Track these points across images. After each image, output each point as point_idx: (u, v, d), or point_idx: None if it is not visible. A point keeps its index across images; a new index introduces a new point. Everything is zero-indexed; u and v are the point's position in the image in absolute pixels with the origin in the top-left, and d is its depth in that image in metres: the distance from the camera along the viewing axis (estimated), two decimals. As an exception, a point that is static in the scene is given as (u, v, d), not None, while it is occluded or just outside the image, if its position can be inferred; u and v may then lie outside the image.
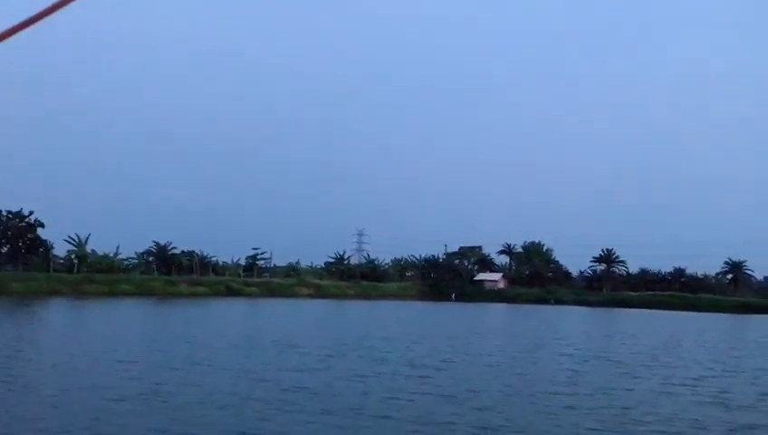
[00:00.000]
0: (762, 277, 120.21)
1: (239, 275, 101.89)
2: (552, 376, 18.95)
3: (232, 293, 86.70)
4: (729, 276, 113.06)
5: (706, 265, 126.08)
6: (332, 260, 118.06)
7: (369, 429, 11.44)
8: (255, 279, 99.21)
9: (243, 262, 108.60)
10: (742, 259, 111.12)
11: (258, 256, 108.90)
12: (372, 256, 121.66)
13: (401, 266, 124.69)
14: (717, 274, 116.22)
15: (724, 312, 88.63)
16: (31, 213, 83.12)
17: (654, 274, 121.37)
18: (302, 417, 12.18)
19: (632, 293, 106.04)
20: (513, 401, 14.71)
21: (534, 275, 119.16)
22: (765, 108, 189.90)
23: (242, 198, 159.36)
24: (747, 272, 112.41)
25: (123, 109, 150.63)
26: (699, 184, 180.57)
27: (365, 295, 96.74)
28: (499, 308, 79.92)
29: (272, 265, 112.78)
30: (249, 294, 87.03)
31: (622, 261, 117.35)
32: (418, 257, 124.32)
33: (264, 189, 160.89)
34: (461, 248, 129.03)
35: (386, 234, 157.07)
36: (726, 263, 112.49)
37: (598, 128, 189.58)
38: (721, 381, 19.35)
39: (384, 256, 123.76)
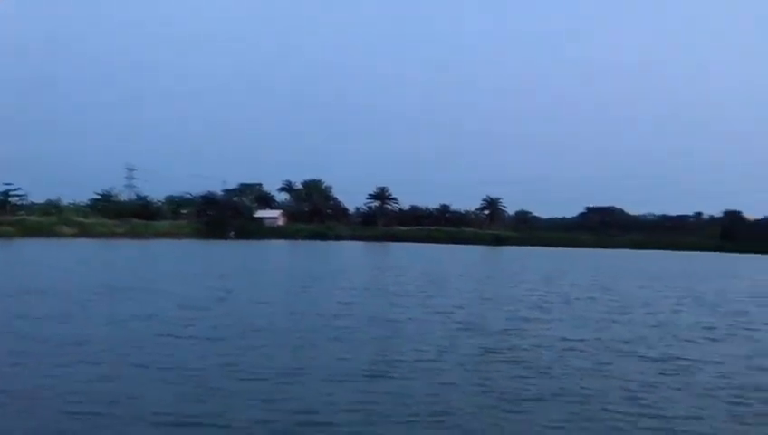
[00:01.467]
0: (513, 212, 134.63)
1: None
2: (326, 308, 19.68)
3: (-19, 232, 77.39)
4: (486, 212, 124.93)
5: (467, 202, 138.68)
6: (98, 197, 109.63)
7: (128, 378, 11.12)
8: (9, 217, 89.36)
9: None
10: (498, 197, 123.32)
11: (11, 193, 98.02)
12: (145, 194, 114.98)
13: (176, 204, 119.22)
14: (477, 209, 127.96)
15: (482, 244, 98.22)
16: None
17: (423, 210, 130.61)
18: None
19: (403, 227, 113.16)
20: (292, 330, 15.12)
21: (314, 212, 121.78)
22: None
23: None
24: (502, 208, 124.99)
25: None
26: (460, 131, 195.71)
27: (135, 234, 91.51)
28: (277, 245, 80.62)
29: (28, 201, 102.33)
30: (3, 235, 78.33)
31: (395, 198, 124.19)
32: (195, 195, 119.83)
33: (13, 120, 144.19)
34: (240, 185, 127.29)
35: (160, 171, 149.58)
36: (484, 200, 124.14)
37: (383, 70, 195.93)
38: (478, 308, 21.51)
39: (158, 194, 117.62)
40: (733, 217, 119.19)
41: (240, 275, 32.25)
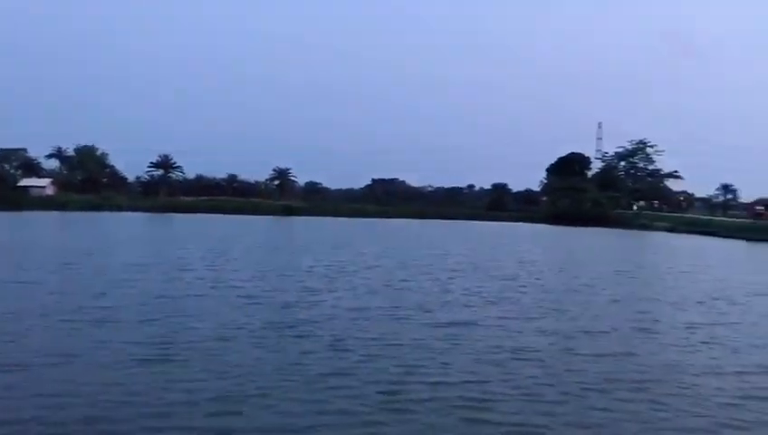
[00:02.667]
0: (303, 183, 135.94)
1: None
2: (91, 287, 18.57)
3: None
4: (276, 183, 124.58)
5: (257, 172, 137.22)
6: None
7: None
8: None
9: None
10: (287, 167, 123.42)
11: None
12: None
13: None
14: (266, 180, 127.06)
15: (271, 214, 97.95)
16: None
17: (210, 180, 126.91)
18: None
19: (188, 198, 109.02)
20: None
21: (88, 181, 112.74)
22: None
23: None
24: (291, 178, 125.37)
25: None
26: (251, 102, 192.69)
27: None
28: (48, 217, 73.69)
29: None
30: None
31: (179, 167, 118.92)
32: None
33: None
34: (0, 150, 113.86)
35: None
36: (274, 170, 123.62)
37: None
38: (266, 281, 21.65)
39: None
40: (499, 190, 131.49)
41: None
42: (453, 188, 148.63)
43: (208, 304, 15.99)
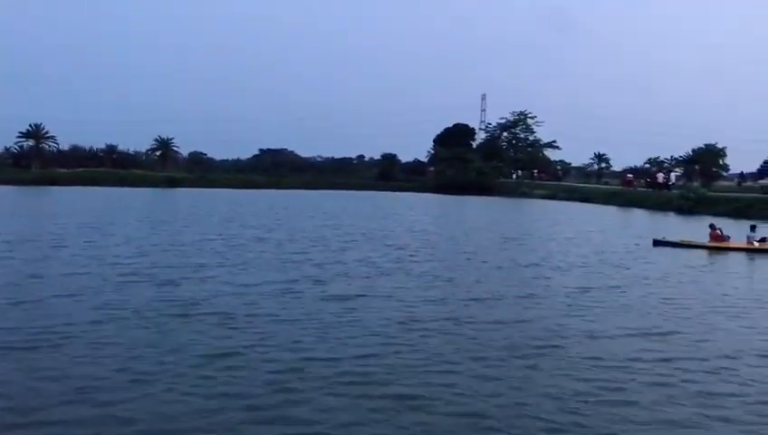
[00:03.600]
0: (187, 154, 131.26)
1: None
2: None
3: None
4: (158, 153, 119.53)
5: (137, 141, 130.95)
6: None
7: None
8: None
9: None
10: (170, 137, 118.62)
11: None
12: None
13: None
14: (147, 150, 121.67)
15: (154, 186, 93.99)
16: None
17: (86, 151, 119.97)
18: None
19: (63, 170, 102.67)
20: None
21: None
22: None
23: None
24: (174, 148, 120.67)
25: None
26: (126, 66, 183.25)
27: None
28: None
29: None
30: None
31: (52, 136, 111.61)
32: None
33: None
34: None
35: None
36: (156, 140, 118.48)
37: None
38: (149, 257, 20.67)
39: None
40: (389, 160, 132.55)
41: None
42: (342, 159, 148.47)
43: (84, 284, 14.95)
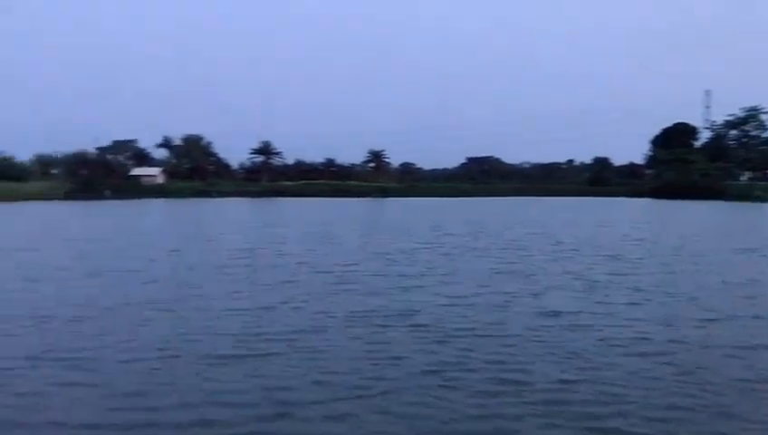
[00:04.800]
0: (398, 164, 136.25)
1: None
2: (217, 272, 18.99)
3: None
4: (372, 165, 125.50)
5: (353, 154, 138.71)
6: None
7: None
8: None
9: None
10: (381, 149, 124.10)
11: None
12: (8, 154, 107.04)
13: (45, 164, 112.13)
14: (362, 162, 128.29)
15: (367, 196, 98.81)
16: None
17: (308, 164, 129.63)
18: None
19: (289, 182, 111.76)
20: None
21: (194, 169, 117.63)
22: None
23: None
24: (386, 160, 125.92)
25: None
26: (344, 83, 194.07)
27: (2, 198, 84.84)
28: (157, 204, 77.45)
29: None
30: None
31: (279, 153, 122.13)
32: (64, 153, 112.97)
33: None
34: (114, 142, 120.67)
35: (24, 129, 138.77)
36: (369, 153, 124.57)
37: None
38: (369, 264, 21.49)
39: (22, 154, 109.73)
40: (601, 164, 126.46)
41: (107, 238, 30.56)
42: (551, 164, 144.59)
43: (302, 291, 15.80)
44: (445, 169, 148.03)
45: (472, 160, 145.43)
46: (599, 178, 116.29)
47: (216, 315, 13.18)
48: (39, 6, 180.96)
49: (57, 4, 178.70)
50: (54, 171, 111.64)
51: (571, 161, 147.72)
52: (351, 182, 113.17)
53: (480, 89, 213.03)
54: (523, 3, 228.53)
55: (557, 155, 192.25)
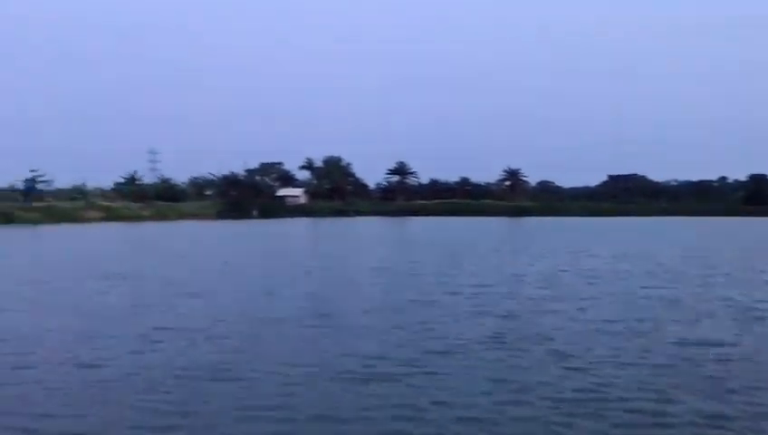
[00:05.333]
0: (535, 183, 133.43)
1: (17, 201, 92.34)
2: (358, 287, 19.55)
3: (9, 220, 78.45)
4: (507, 183, 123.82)
5: (488, 173, 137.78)
6: (123, 181, 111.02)
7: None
8: (36, 204, 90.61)
9: (20, 186, 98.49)
10: (517, 167, 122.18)
11: (37, 179, 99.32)
12: (167, 176, 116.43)
13: (199, 185, 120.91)
14: (498, 181, 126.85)
15: (503, 215, 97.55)
16: None
17: (443, 183, 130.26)
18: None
19: (424, 202, 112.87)
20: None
21: (334, 189, 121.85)
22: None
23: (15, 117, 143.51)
24: (523, 178, 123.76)
25: None
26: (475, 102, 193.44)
27: (161, 217, 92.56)
28: (300, 223, 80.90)
29: (54, 187, 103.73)
30: (30, 221, 79.43)
31: (414, 172, 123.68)
32: (217, 175, 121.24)
33: (37, 107, 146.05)
34: (261, 165, 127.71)
35: (182, 153, 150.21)
36: (505, 171, 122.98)
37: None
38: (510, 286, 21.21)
39: (180, 176, 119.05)
40: (757, 181, 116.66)
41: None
42: (701, 182, 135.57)
43: (434, 313, 15.79)
44: (585, 188, 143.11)
45: (614, 178, 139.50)
46: (755, 197, 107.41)
47: (351, 333, 13.50)
48: (198, 34, 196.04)
49: (211, 31, 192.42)
50: (208, 192, 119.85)
51: (723, 178, 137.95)
52: (487, 201, 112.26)
53: (623, 101, 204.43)
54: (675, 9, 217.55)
55: (708, 172, 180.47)
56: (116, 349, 12.22)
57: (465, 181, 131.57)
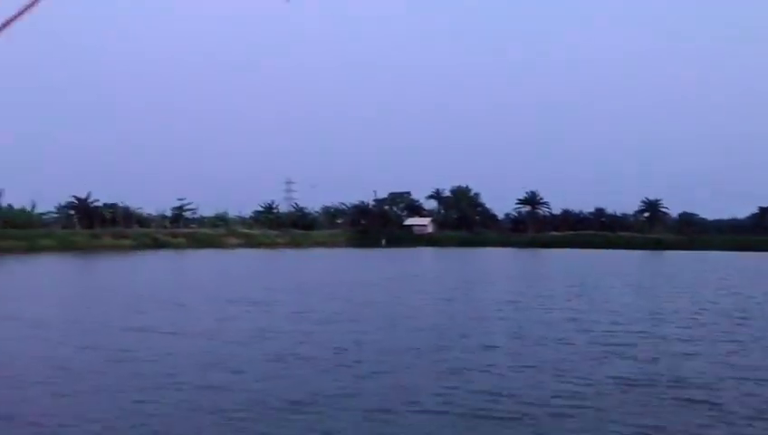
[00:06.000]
0: (677, 214, 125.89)
1: (165, 227, 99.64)
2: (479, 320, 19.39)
3: (158, 245, 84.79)
4: (646, 214, 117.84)
5: (624, 204, 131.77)
6: (261, 209, 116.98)
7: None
8: (182, 230, 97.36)
9: (168, 213, 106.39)
10: (658, 198, 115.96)
11: (184, 207, 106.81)
12: (302, 205, 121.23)
13: (331, 214, 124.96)
14: (635, 212, 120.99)
15: (641, 249, 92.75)
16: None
17: (576, 214, 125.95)
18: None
19: (556, 233, 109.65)
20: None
21: (462, 219, 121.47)
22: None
23: (166, 148, 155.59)
24: (663, 210, 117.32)
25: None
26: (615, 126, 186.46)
27: (295, 244, 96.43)
28: (427, 252, 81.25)
29: (198, 215, 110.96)
30: (176, 246, 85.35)
31: (545, 203, 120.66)
32: (348, 205, 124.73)
33: (187, 139, 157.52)
34: (390, 194, 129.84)
35: (315, 182, 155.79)
36: (643, 202, 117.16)
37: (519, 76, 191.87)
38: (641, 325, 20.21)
39: (313, 205, 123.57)
40: None
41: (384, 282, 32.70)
42: None
43: (566, 351, 15.24)
44: (732, 220, 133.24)
45: (765, 210, 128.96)
46: None
47: (479, 370, 13.32)
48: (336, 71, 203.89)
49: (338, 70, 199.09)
50: (339, 221, 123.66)
51: None
52: (623, 233, 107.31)
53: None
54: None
55: None
56: (244, 374, 12.77)
57: (599, 212, 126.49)
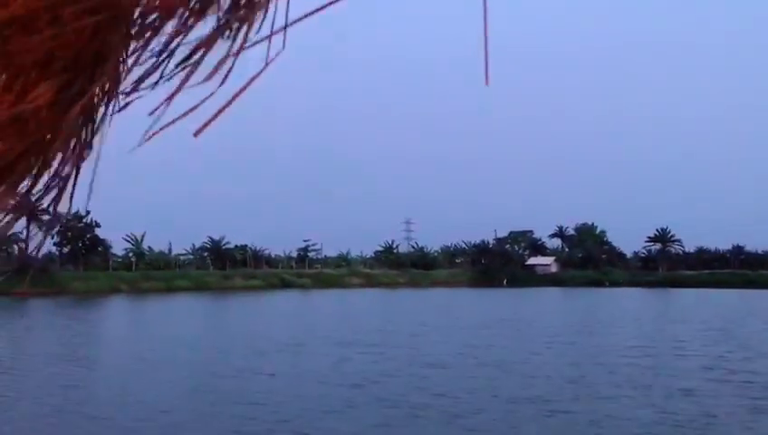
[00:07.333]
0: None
1: (291, 268, 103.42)
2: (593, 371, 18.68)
3: (285, 285, 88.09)
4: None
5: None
6: (381, 249, 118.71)
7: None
8: (307, 270, 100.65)
9: (294, 254, 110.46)
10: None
11: (309, 248, 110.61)
12: (421, 244, 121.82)
13: (451, 253, 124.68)
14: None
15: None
16: (88, 213, 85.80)
17: (711, 252, 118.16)
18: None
19: (689, 272, 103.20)
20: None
21: (587, 258, 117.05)
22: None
23: (291, 191, 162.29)
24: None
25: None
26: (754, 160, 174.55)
27: (415, 284, 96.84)
28: (552, 293, 78.95)
29: (323, 255, 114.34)
30: (302, 286, 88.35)
31: (678, 240, 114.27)
32: (468, 244, 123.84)
33: (312, 182, 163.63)
34: (511, 233, 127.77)
35: (434, 221, 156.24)
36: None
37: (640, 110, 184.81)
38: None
39: (433, 244, 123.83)
40: None
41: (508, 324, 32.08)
42: None
43: (704, 405, 14.28)
44: None
45: None
46: None
47: (608, 420, 12.79)
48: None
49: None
50: (459, 260, 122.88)
51: None
52: (765, 272, 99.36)
53: None
54: None
55: None
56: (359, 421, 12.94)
57: (738, 249, 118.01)
